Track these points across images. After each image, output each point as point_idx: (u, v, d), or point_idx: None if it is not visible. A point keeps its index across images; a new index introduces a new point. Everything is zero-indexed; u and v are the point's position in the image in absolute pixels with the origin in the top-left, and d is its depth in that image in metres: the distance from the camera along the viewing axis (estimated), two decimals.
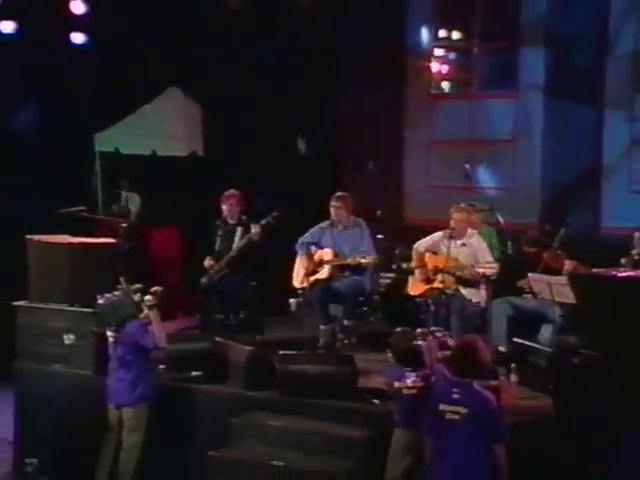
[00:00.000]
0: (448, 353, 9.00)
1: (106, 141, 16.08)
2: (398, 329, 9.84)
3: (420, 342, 9.08)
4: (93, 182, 16.47)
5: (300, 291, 12.69)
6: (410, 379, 8.76)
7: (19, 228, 13.43)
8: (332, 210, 12.30)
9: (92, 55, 15.08)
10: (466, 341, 8.47)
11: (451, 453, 7.82)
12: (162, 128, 15.78)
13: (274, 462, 9.92)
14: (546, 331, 11.24)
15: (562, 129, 15.14)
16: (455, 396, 7.79)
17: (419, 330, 9.66)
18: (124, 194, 16.56)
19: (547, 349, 10.71)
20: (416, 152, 16.43)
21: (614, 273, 9.93)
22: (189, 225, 15.46)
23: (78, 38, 14.97)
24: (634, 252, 11.82)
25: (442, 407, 7.85)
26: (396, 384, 8.86)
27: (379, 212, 14.09)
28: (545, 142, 15.37)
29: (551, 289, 10.94)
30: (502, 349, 11.12)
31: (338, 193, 12.53)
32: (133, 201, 16.53)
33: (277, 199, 13.82)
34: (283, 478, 9.84)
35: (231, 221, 12.60)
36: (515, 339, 11.13)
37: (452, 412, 7.80)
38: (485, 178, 15.88)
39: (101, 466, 10.83)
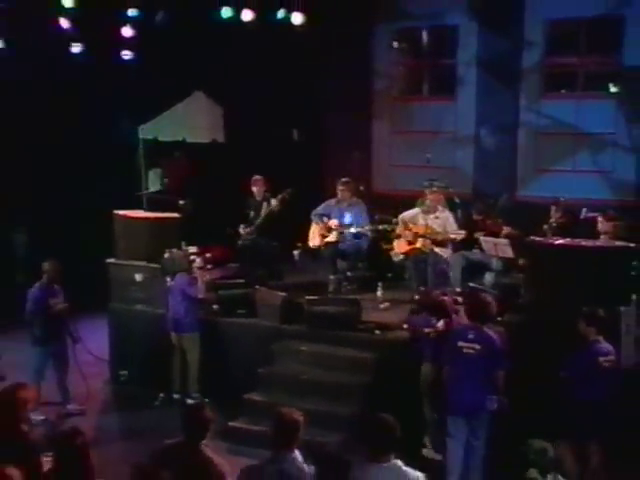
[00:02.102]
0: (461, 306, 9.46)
1: (147, 131, 15.64)
2: (422, 289, 10.73)
3: (445, 298, 9.48)
4: (137, 162, 15.90)
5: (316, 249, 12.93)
6: (439, 324, 9.12)
7: (102, 204, 13.75)
8: (338, 191, 12.62)
9: (137, 67, 14.82)
10: (479, 296, 8.94)
11: (467, 377, 8.28)
12: (189, 121, 15.50)
13: (304, 376, 10.68)
14: (489, 276, 11.74)
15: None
16: (470, 336, 8.31)
17: (437, 291, 10.13)
18: (160, 170, 15.79)
19: (491, 290, 11.06)
20: (381, 140, 16.37)
21: (551, 241, 10.40)
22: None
23: (127, 55, 14.80)
24: (552, 221, 12.11)
25: (460, 344, 8.34)
26: (426, 330, 9.27)
27: (361, 187, 13.99)
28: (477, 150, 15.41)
29: (496, 247, 11.43)
30: (458, 289, 11.49)
31: (343, 179, 12.82)
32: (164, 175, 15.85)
33: (278, 175, 13.64)
34: (310, 388, 10.45)
35: (258, 198, 12.88)
36: (469, 283, 11.62)
37: (468, 348, 8.30)
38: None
39: (173, 374, 11.48)
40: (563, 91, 15.36)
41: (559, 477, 6.50)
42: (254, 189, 12.91)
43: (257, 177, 12.95)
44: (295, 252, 14.04)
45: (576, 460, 8.06)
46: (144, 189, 15.85)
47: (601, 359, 8.29)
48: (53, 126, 14.91)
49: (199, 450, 6.20)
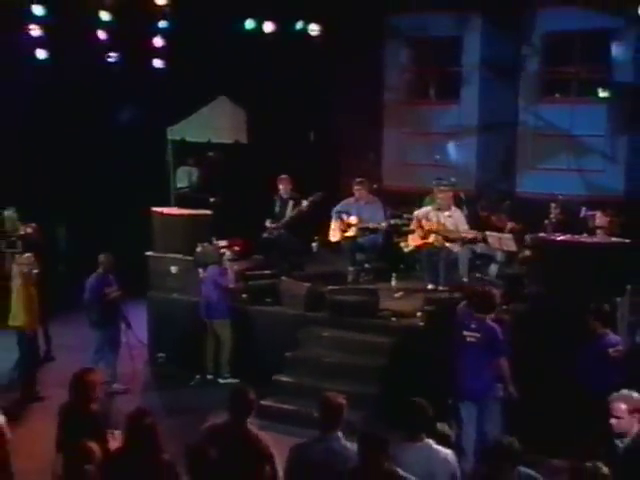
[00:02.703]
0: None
1: (175, 132, 15.94)
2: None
3: (494, 291, 9.03)
4: (166, 161, 16.30)
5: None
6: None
7: (133, 200, 14.13)
8: (355, 190, 12.71)
9: (167, 74, 14.93)
10: (485, 290, 9.01)
11: (470, 364, 8.40)
12: (214, 123, 15.61)
13: (326, 359, 10.83)
14: (494, 267, 11.91)
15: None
16: (473, 326, 8.45)
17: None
18: (189, 168, 16.41)
19: (495, 280, 11.41)
20: (391, 140, 16.27)
21: (554, 237, 10.55)
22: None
23: (157, 63, 14.97)
24: (552, 217, 12.30)
25: (464, 333, 8.49)
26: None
27: (375, 185, 13.90)
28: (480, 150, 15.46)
29: (500, 242, 11.55)
30: (465, 280, 11.68)
31: (358, 179, 12.90)
32: (196, 174, 16.45)
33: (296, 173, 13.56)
34: (332, 370, 10.58)
35: (284, 196, 12.89)
36: (475, 274, 11.90)
37: (471, 337, 8.44)
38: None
39: (207, 357, 11.62)
40: (557, 95, 15.47)
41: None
42: (280, 187, 12.96)
43: (283, 176, 13.00)
44: (313, 244, 14.19)
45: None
46: (172, 186, 16.23)
47: (610, 350, 8.37)
48: (89, 128, 15.11)
49: (245, 428, 6.32)
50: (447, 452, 6.04)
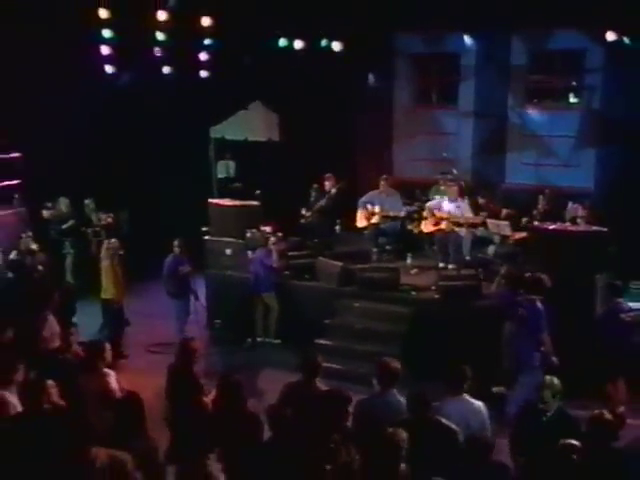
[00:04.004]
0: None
1: (217, 131, 16.36)
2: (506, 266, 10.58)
3: (543, 277, 9.10)
4: (209, 156, 16.71)
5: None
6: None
7: (183, 188, 14.58)
8: (380, 184, 13.00)
9: (211, 83, 15.07)
10: (536, 276, 9.15)
11: (520, 337, 8.76)
12: (250, 124, 16.04)
13: (358, 326, 11.24)
14: (492, 248, 12.35)
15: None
16: (523, 304, 8.82)
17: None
18: (227, 161, 16.93)
19: (494, 259, 11.93)
20: (401, 139, 16.59)
21: (546, 226, 10.83)
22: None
23: (203, 74, 15.05)
24: (540, 207, 12.69)
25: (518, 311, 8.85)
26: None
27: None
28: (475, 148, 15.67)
29: (498, 227, 11.99)
30: (468, 258, 12.20)
31: (384, 175, 13.19)
32: (232, 166, 16.98)
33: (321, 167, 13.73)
34: (363, 335, 11.01)
35: (327, 190, 13.12)
36: (477, 253, 12.29)
37: (522, 314, 8.77)
38: None
39: (256, 323, 12.04)
40: (535, 100, 15.74)
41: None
42: (327, 183, 13.17)
43: (329, 175, 13.21)
44: (336, 227, 14.34)
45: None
46: (214, 176, 16.69)
47: (622, 315, 9.04)
48: (148, 129, 15.28)
49: (315, 386, 6.78)
50: (479, 404, 6.45)
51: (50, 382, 6.46)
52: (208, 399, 6.82)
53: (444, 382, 6.57)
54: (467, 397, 6.53)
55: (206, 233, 13.01)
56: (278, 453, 5.74)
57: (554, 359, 8.60)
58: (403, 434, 5.47)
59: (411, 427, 5.69)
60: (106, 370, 7.38)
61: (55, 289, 9.82)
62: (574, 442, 5.71)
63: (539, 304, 8.76)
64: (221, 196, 14.65)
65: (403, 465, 5.34)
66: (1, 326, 8.25)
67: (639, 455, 5.94)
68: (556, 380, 6.65)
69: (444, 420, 6.14)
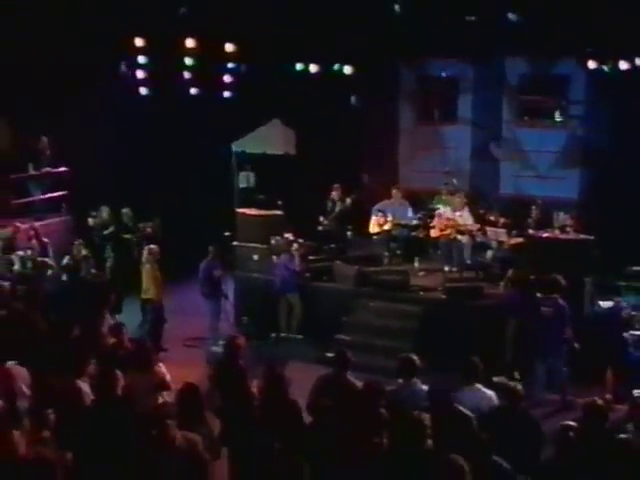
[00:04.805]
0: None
1: (238, 146, 16.33)
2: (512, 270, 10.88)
3: (559, 277, 9.47)
4: (231, 168, 16.72)
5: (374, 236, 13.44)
6: None
7: (208, 197, 14.91)
8: (392, 193, 13.29)
9: (234, 102, 15.48)
10: (553, 277, 9.55)
11: (547, 330, 9.19)
12: (268, 139, 15.97)
13: (374, 323, 11.58)
14: (490, 253, 12.60)
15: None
16: (548, 303, 9.29)
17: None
18: (247, 173, 16.79)
19: (492, 262, 12.23)
20: (405, 152, 16.58)
21: (538, 235, 11.29)
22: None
23: (227, 94, 15.57)
24: (533, 216, 12.85)
25: (542, 309, 9.31)
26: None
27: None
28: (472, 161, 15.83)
29: (496, 234, 12.33)
30: (468, 261, 12.54)
31: (395, 185, 13.56)
32: (252, 177, 16.92)
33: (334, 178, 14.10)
34: (378, 331, 11.36)
35: (336, 199, 13.54)
36: (477, 257, 12.56)
37: (547, 312, 9.26)
38: None
39: (280, 320, 12.33)
40: (523, 118, 15.90)
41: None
42: (334, 193, 13.55)
43: (337, 185, 13.65)
44: (348, 233, 14.54)
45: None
46: (236, 186, 16.91)
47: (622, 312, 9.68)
48: (178, 143, 15.69)
49: (346, 378, 7.11)
50: (491, 393, 6.75)
51: (119, 373, 6.84)
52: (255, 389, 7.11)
53: (458, 374, 6.90)
54: (479, 387, 6.83)
55: (229, 238, 13.37)
56: (321, 436, 6.09)
57: (576, 345, 9.21)
58: (427, 417, 5.85)
59: (433, 413, 5.94)
60: (159, 364, 7.75)
61: (111, 291, 10.19)
62: (572, 423, 6.21)
63: (561, 301, 9.22)
64: (243, 204, 14.97)
65: (429, 441, 5.74)
66: (67, 324, 8.58)
67: (619, 431, 6.46)
68: None
69: (461, 407, 6.48)
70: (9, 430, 5.37)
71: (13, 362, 7.33)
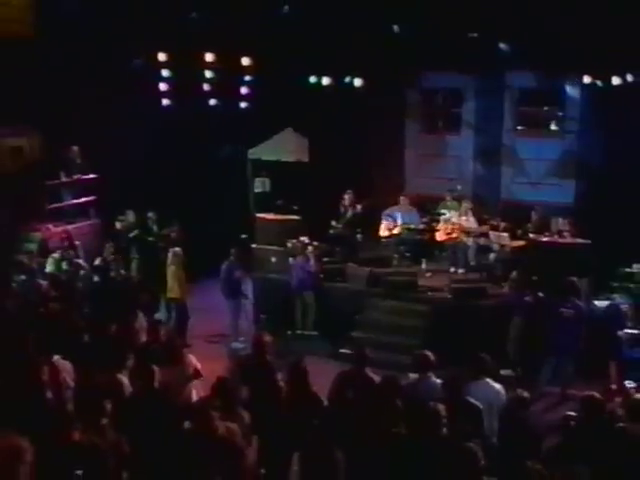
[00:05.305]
0: None
1: (254, 153, 16.66)
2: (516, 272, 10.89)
3: (574, 280, 9.74)
4: (247, 174, 17.05)
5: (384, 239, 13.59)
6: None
7: (225, 202, 15.13)
8: (400, 200, 13.47)
9: (250, 113, 15.55)
10: (570, 280, 9.77)
11: (565, 330, 9.44)
12: (282, 147, 16.24)
13: (384, 321, 11.73)
14: (492, 255, 12.77)
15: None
16: (568, 304, 9.55)
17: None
18: (263, 179, 17.16)
19: (494, 264, 12.37)
20: (411, 160, 16.62)
21: (539, 239, 11.42)
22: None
23: (243, 105, 15.68)
24: (533, 221, 12.91)
25: (562, 310, 9.55)
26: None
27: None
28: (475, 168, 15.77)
29: (499, 238, 12.47)
30: (472, 263, 12.74)
31: (403, 192, 13.68)
32: (267, 183, 17.25)
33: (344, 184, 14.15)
34: (389, 328, 11.53)
35: (347, 205, 13.66)
36: (480, 260, 12.73)
37: (567, 313, 9.48)
38: None
39: (297, 318, 12.31)
40: (522, 128, 15.89)
41: None
42: (346, 197, 13.70)
43: (349, 191, 13.80)
44: (357, 236, 14.53)
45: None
46: (251, 191, 17.19)
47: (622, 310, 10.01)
48: (198, 151, 15.83)
49: (365, 374, 7.32)
50: (499, 387, 6.97)
51: (155, 368, 7.12)
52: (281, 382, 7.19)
53: (468, 368, 7.16)
54: (488, 380, 7.05)
55: (246, 240, 13.62)
56: (344, 425, 6.34)
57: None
58: (442, 408, 6.15)
59: (447, 405, 6.21)
60: (189, 355, 8.02)
61: (141, 290, 10.45)
62: (573, 414, 6.55)
63: (579, 303, 9.50)
64: (259, 209, 15.25)
65: (445, 429, 6.03)
66: (103, 322, 8.86)
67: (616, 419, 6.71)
68: None
69: (472, 399, 6.77)
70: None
71: (58, 356, 7.57)
